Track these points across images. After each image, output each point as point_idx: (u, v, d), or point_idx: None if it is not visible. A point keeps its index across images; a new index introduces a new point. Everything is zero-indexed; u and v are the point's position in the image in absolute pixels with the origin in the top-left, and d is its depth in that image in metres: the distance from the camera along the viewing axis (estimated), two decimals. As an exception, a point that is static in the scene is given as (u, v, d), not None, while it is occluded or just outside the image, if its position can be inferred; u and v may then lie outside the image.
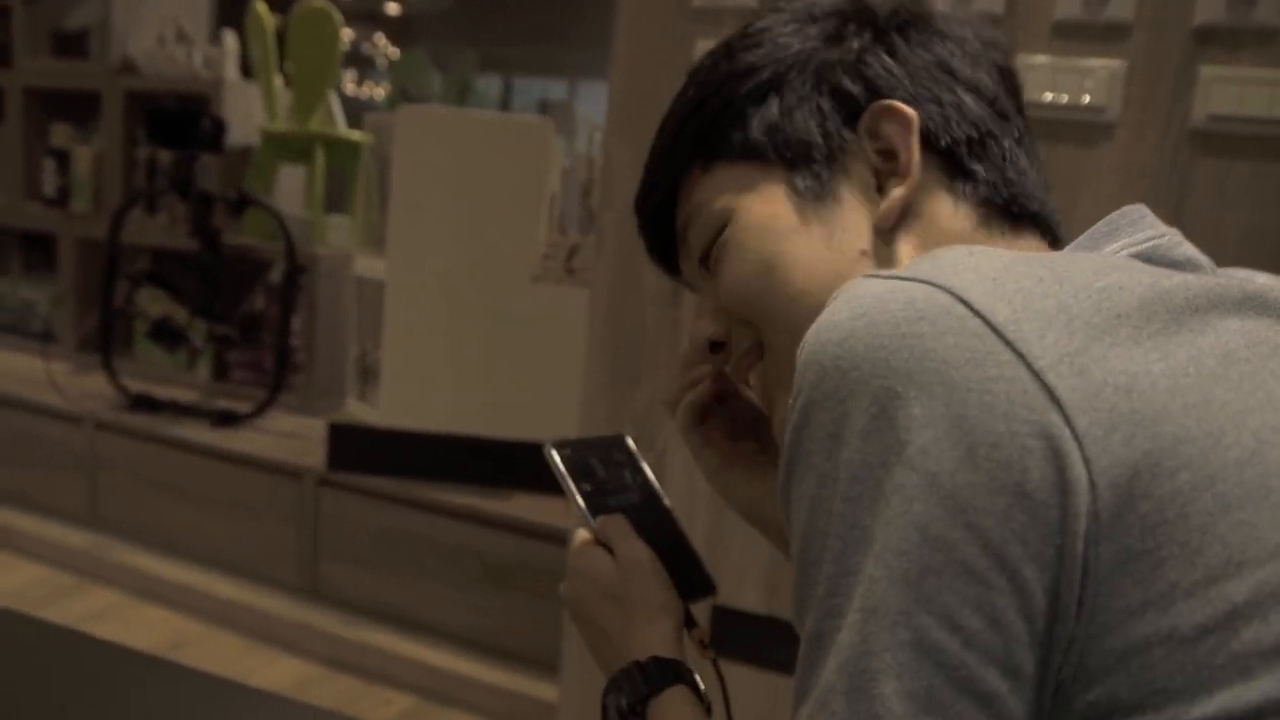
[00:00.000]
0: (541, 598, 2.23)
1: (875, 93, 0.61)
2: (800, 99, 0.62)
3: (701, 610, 0.81)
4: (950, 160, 0.61)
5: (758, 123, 0.63)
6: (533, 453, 0.80)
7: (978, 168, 0.61)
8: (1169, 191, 1.30)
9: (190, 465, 2.68)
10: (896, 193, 0.60)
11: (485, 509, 2.30)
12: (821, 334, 0.47)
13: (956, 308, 0.45)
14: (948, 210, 0.61)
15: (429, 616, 2.36)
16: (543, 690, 2.14)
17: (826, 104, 0.62)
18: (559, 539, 2.19)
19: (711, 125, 0.65)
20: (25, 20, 3.54)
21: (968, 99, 0.61)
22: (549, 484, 0.79)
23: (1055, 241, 0.64)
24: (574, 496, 0.77)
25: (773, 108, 0.63)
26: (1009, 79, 0.65)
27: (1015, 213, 0.61)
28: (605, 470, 0.80)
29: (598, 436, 0.83)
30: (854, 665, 0.44)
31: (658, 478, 0.83)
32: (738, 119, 0.64)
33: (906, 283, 0.47)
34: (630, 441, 0.83)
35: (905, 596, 0.43)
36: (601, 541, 0.75)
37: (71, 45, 3.58)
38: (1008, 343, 0.44)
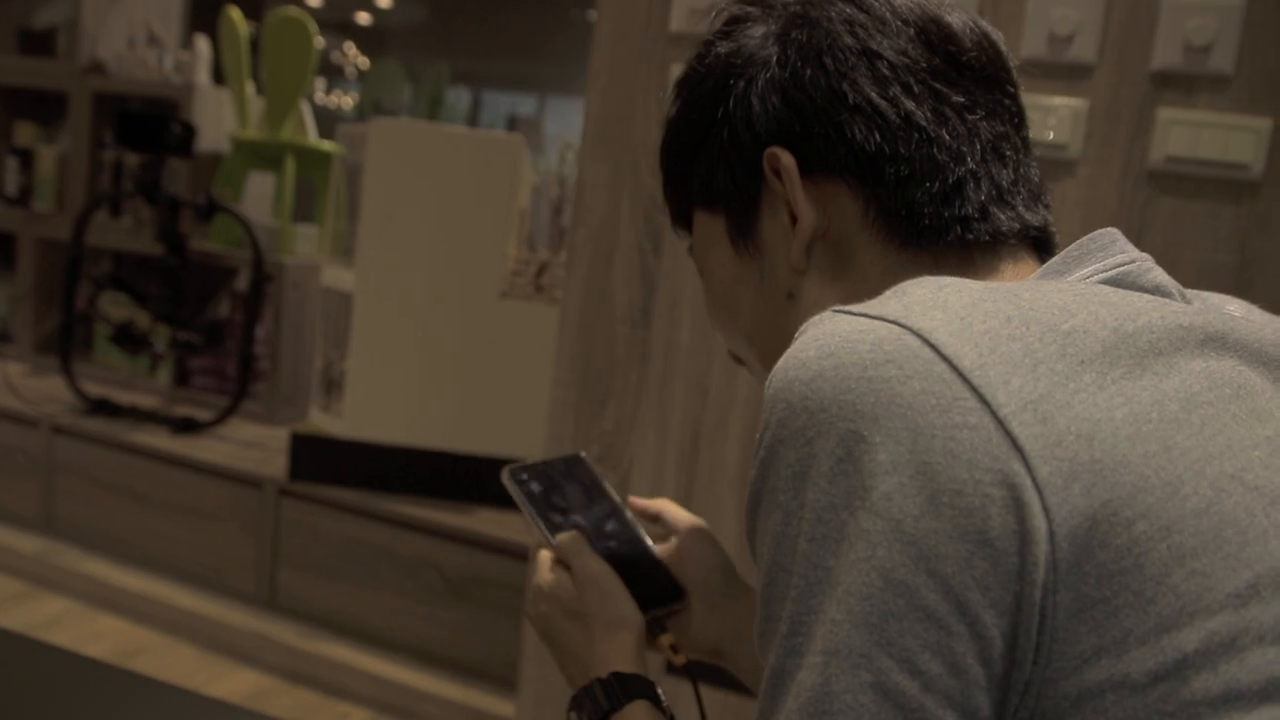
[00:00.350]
0: (501, 612, 2.23)
1: (760, 141, 0.61)
2: (714, 154, 0.64)
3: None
4: (860, 189, 0.60)
5: (696, 179, 0.67)
6: (495, 468, 0.82)
7: (879, 196, 0.59)
8: (1128, 229, 1.32)
9: (149, 472, 2.65)
10: (795, 240, 0.61)
11: (446, 522, 2.30)
12: (789, 372, 0.48)
13: (924, 351, 0.46)
14: (860, 244, 0.60)
15: (387, 629, 2.35)
16: (500, 705, 2.14)
17: (733, 155, 0.63)
18: (519, 554, 2.20)
19: (672, 181, 0.70)
20: (-8, 18, 3.50)
21: (857, 125, 0.59)
22: (510, 499, 0.80)
23: (1047, 248, 0.62)
24: (534, 519, 0.79)
25: (702, 164, 0.66)
26: (932, 52, 0.61)
27: (950, 240, 0.59)
28: (564, 490, 0.82)
29: (555, 458, 0.84)
30: (814, 706, 0.45)
31: (623, 496, 0.85)
32: (689, 173, 0.67)
33: (875, 322, 0.48)
34: (586, 458, 0.85)
35: (867, 640, 0.44)
36: (560, 560, 0.77)
37: (38, 44, 3.54)
38: (973, 389, 0.45)
